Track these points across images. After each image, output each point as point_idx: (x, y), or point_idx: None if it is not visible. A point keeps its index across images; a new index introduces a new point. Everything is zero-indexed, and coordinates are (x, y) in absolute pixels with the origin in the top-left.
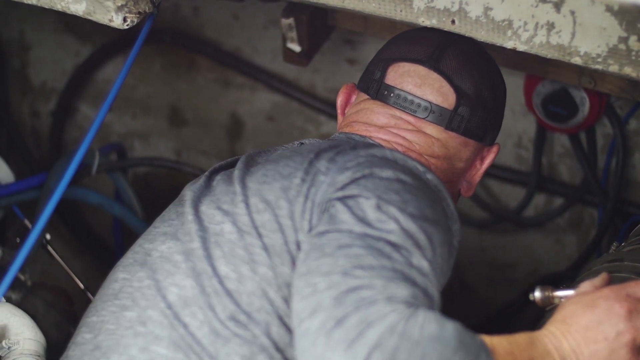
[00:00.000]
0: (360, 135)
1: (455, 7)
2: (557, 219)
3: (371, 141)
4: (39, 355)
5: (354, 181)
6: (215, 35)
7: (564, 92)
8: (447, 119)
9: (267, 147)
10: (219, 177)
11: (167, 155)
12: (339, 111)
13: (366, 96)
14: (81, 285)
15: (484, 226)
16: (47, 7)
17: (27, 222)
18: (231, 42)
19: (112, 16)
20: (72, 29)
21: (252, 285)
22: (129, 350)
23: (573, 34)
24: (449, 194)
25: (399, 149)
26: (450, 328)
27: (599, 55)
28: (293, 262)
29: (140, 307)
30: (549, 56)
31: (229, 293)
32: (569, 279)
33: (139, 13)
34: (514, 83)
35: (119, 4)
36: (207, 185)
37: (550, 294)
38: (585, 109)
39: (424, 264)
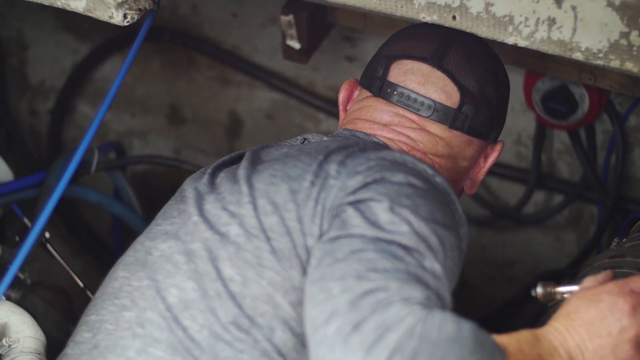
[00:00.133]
0: (365, 133)
1: (456, 3)
2: (556, 216)
3: (377, 140)
4: (39, 354)
5: (365, 186)
6: (214, 33)
7: (564, 88)
8: (450, 118)
9: (270, 142)
10: (222, 175)
11: (166, 154)
12: (340, 107)
13: (369, 93)
14: (80, 284)
15: (484, 224)
16: (47, 4)
17: (26, 221)
18: (230, 40)
19: (113, 13)
20: (70, 27)
21: (257, 289)
22: (126, 351)
23: (574, 30)
24: (456, 197)
25: (404, 147)
26: (467, 328)
27: (600, 51)
28: (302, 266)
29: (139, 308)
30: (550, 52)
31: (232, 296)
32: (568, 276)
33: (140, 10)
34: (513, 80)
35: (120, 1)
36: (211, 183)
37: (553, 290)
38: (585, 105)
39: (436, 267)
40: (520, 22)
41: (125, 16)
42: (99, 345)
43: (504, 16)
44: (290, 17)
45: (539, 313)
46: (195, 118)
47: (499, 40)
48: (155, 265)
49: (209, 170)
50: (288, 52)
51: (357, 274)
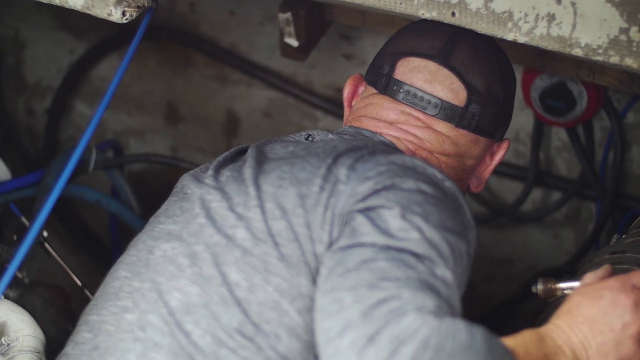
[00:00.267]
0: (371, 131)
1: None
2: (554, 213)
3: (383, 139)
4: (38, 352)
5: (375, 192)
6: (212, 31)
7: (562, 85)
8: (457, 117)
9: (273, 137)
10: (227, 173)
11: (163, 153)
12: (345, 103)
13: (374, 90)
14: (79, 283)
15: (482, 221)
16: (45, 1)
17: (24, 220)
18: (227, 39)
19: (111, 10)
20: (67, 26)
21: (263, 295)
22: (127, 355)
23: (574, 26)
24: (464, 200)
25: (410, 146)
26: (479, 335)
27: (599, 47)
28: (310, 273)
29: (141, 310)
30: (549, 48)
31: (237, 302)
32: (567, 274)
33: (138, 7)
34: None
35: None
36: (216, 181)
37: (553, 286)
38: (583, 102)
39: (447, 275)
40: (520, 18)
41: (124, 13)
42: (99, 346)
43: (504, 12)
44: (288, 15)
45: (538, 310)
46: (192, 116)
47: (499, 36)
48: (157, 266)
49: (212, 167)
50: (286, 49)
51: (369, 284)
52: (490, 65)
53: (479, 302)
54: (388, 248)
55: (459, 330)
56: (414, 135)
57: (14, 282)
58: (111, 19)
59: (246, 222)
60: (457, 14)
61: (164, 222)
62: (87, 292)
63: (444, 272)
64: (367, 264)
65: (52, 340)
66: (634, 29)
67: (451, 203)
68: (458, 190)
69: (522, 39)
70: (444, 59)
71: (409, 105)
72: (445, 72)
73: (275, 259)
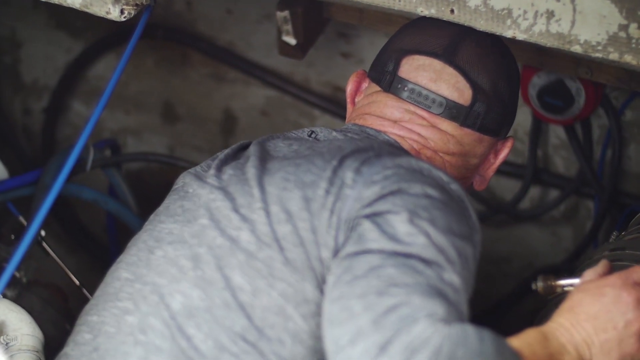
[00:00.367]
0: (375, 130)
1: None
2: (552, 211)
3: (388, 137)
4: (37, 351)
5: (382, 197)
6: (209, 30)
7: (560, 83)
8: (462, 116)
9: (275, 134)
10: (230, 172)
11: (161, 152)
12: (348, 99)
13: (378, 88)
14: (77, 282)
15: (480, 219)
16: (43, 0)
17: (21, 219)
18: (225, 37)
19: (110, 8)
20: (63, 25)
21: (268, 300)
22: (127, 358)
23: (573, 22)
24: (470, 203)
25: (414, 145)
26: (489, 341)
27: (598, 44)
28: (315, 278)
29: (142, 313)
30: (548, 45)
31: (241, 306)
32: (565, 272)
33: (137, 5)
34: None
35: None
36: (219, 180)
37: (553, 283)
38: (581, 100)
39: (455, 279)
40: (519, 15)
41: (122, 11)
42: (99, 348)
43: (503, 9)
44: (286, 13)
45: (536, 308)
46: (189, 115)
47: (497, 33)
48: (159, 267)
49: (214, 165)
50: (284, 48)
51: (378, 290)
52: (496, 63)
53: (477, 300)
54: (396, 254)
55: (470, 337)
56: (419, 134)
57: (12, 282)
58: (109, 17)
59: (250, 224)
60: (456, 11)
61: (164, 222)
62: (85, 291)
63: (452, 277)
64: (375, 270)
65: (50, 340)
66: (633, 25)
67: (457, 206)
68: (464, 193)
69: (521, 36)
70: (449, 57)
71: (413, 103)
72: (450, 71)
73: (280, 263)
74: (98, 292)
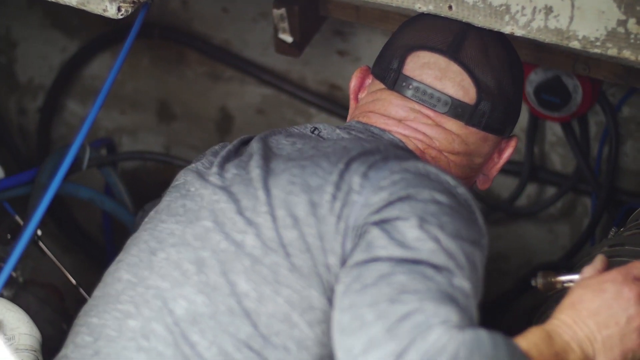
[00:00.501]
0: (380, 129)
1: None
2: (549, 208)
3: (392, 137)
4: (34, 350)
5: (390, 204)
6: (205, 28)
7: (557, 80)
8: (467, 115)
9: (277, 129)
10: (233, 171)
11: (156, 151)
12: (351, 96)
13: (382, 85)
14: (73, 281)
15: None
16: None
17: (18, 218)
18: (220, 36)
19: (107, 6)
20: (59, 24)
21: (273, 306)
22: None
23: (571, 18)
24: (478, 206)
25: (419, 145)
26: (502, 345)
27: (597, 39)
28: (321, 284)
29: (144, 317)
30: (547, 41)
31: (246, 313)
32: (563, 269)
33: (134, 2)
34: None
35: None
36: (221, 179)
37: (553, 279)
38: (578, 96)
39: (465, 284)
40: (517, 11)
41: (119, 9)
42: (100, 351)
43: (501, 5)
44: (283, 11)
45: (535, 305)
46: (185, 114)
47: (496, 29)
48: (161, 270)
49: (216, 163)
50: (280, 45)
51: (390, 298)
52: (501, 62)
53: None
54: (405, 261)
55: (484, 342)
56: (424, 133)
57: (9, 281)
58: (106, 14)
59: (256, 228)
60: (454, 7)
61: (166, 221)
62: (82, 291)
63: (462, 282)
64: (385, 278)
65: (47, 339)
66: (631, 20)
67: (465, 211)
68: (471, 197)
69: (519, 32)
70: (453, 53)
71: (418, 102)
72: (455, 69)
73: (286, 269)
74: (97, 293)
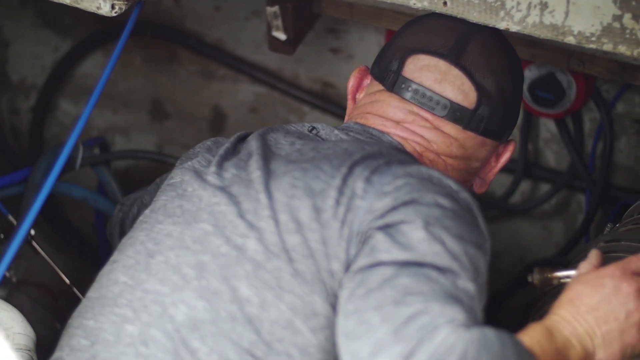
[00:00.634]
0: (378, 130)
1: None
2: (543, 205)
3: (391, 139)
4: (29, 350)
5: (394, 208)
6: (197, 27)
7: (551, 76)
8: (466, 119)
9: (275, 126)
10: (233, 171)
11: (149, 150)
12: (349, 96)
13: (381, 86)
14: (67, 281)
15: None
16: None
17: (11, 218)
18: (213, 34)
19: (100, 3)
20: (51, 24)
21: (276, 313)
22: None
23: (566, 13)
24: (480, 211)
25: (417, 148)
26: (509, 343)
27: (592, 35)
28: (325, 290)
29: (143, 323)
30: (542, 36)
31: (248, 320)
32: (557, 265)
33: (127, 0)
34: None
35: None
36: (220, 179)
37: (550, 275)
38: (572, 93)
39: (469, 286)
40: (512, 7)
41: (113, 7)
42: (97, 356)
43: (496, 1)
44: (276, 8)
45: (529, 302)
46: (178, 113)
47: (491, 25)
48: (159, 273)
49: (214, 162)
50: (274, 43)
51: (394, 300)
52: (502, 67)
53: None
54: (409, 264)
55: (491, 340)
56: (421, 136)
57: (3, 281)
58: (100, 12)
59: (258, 232)
60: (448, 4)
61: (162, 222)
62: (75, 290)
63: (466, 284)
64: (389, 281)
65: (41, 339)
66: (627, 15)
67: (467, 215)
68: (473, 201)
69: (514, 28)
70: (455, 58)
71: (417, 104)
72: (455, 73)
73: (288, 275)
74: (93, 294)
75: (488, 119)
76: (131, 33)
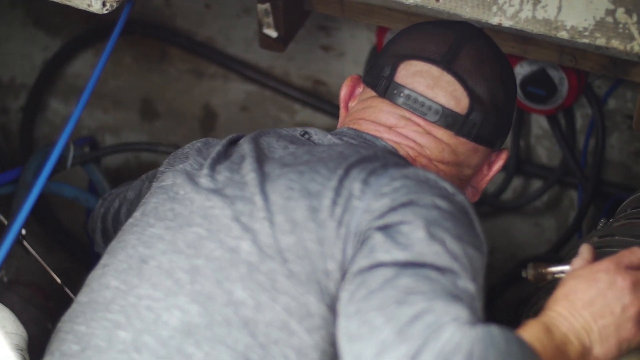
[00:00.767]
0: (372, 135)
1: None
2: (535, 201)
3: (385, 144)
4: (21, 349)
5: (392, 209)
6: (188, 25)
7: (543, 72)
8: (458, 125)
9: (266, 130)
10: (226, 174)
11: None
12: (341, 104)
13: (373, 93)
14: (58, 281)
15: None
16: None
17: (1, 218)
18: (204, 32)
19: (91, 1)
20: (41, 23)
21: (271, 314)
22: None
23: (559, 8)
24: (476, 215)
25: (410, 152)
26: (514, 340)
27: (585, 29)
28: (319, 290)
29: (136, 329)
30: (535, 31)
31: (244, 323)
32: (552, 261)
33: None
34: None
35: None
36: (213, 182)
37: (544, 270)
38: (564, 89)
39: (469, 286)
40: (505, 2)
41: (104, 4)
42: None
43: None
44: (267, 6)
45: (521, 299)
46: (168, 112)
47: (483, 20)
48: (152, 278)
49: (207, 165)
50: (265, 41)
51: (397, 300)
52: (495, 74)
53: None
54: (409, 264)
55: (497, 337)
56: (414, 141)
57: None
58: (91, 9)
59: (252, 234)
60: (441, 0)
61: (154, 225)
62: (67, 290)
63: (467, 284)
64: (390, 282)
65: (32, 339)
66: (620, 10)
67: (464, 218)
68: (469, 204)
69: (507, 23)
70: (447, 64)
71: (409, 110)
72: (448, 78)
73: (283, 276)
74: (83, 298)
75: (480, 125)
76: (120, 32)
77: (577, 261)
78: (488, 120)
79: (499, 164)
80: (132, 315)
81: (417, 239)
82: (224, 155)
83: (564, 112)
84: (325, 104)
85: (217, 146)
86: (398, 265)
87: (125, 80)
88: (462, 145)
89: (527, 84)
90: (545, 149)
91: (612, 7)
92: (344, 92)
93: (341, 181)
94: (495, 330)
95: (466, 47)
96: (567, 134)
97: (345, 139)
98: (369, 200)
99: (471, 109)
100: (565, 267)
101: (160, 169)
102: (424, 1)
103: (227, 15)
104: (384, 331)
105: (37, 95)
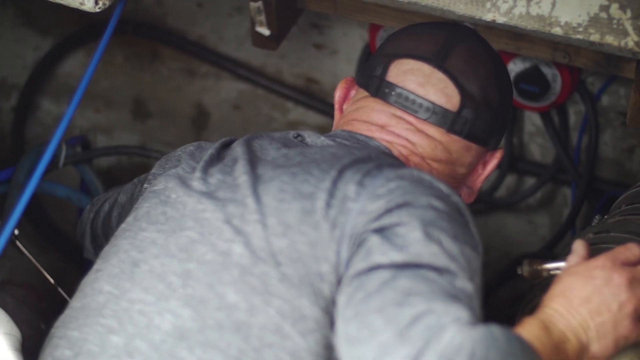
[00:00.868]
0: (365, 135)
1: None
2: (529, 199)
3: (378, 144)
4: (15, 350)
5: (388, 211)
6: (179, 24)
7: (536, 69)
8: (449, 121)
9: (259, 132)
10: (218, 176)
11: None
12: (336, 106)
13: (366, 93)
14: (52, 281)
15: None
16: None
17: None
18: (195, 31)
19: None
20: (32, 22)
21: (264, 318)
22: None
23: (553, 4)
24: (471, 215)
25: (403, 151)
26: (514, 339)
27: (579, 25)
28: (313, 293)
29: (128, 334)
30: (529, 27)
31: (237, 327)
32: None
33: None
34: None
35: None
36: (206, 185)
37: (539, 267)
38: (557, 86)
39: (467, 286)
40: None
41: (96, 2)
42: None
43: None
44: (259, 4)
45: (515, 297)
46: (160, 111)
47: (477, 17)
48: (144, 282)
49: (199, 168)
50: (257, 39)
51: (396, 302)
52: (487, 72)
53: None
54: (406, 265)
55: (498, 337)
56: (406, 139)
57: None
58: (83, 8)
59: (244, 237)
60: None
61: (146, 229)
62: (60, 290)
63: (465, 284)
64: (388, 284)
65: (25, 339)
66: (614, 6)
67: (460, 218)
68: (464, 205)
69: (501, 19)
70: (439, 62)
71: (400, 108)
72: (439, 76)
73: (275, 279)
74: (76, 303)
75: (472, 123)
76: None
77: (572, 258)
78: (480, 118)
79: (493, 163)
80: (124, 319)
81: (414, 240)
82: (217, 158)
83: (557, 109)
84: (318, 102)
85: (210, 149)
86: (395, 266)
87: (117, 79)
88: (454, 142)
89: (520, 81)
90: (538, 146)
91: (606, 3)
92: (338, 95)
93: (335, 183)
94: (495, 330)
95: (458, 46)
96: (560, 131)
97: (338, 140)
98: (364, 202)
99: (462, 106)
100: (561, 264)
101: (153, 171)
102: None
103: (219, 14)
104: (384, 333)
105: (29, 96)
